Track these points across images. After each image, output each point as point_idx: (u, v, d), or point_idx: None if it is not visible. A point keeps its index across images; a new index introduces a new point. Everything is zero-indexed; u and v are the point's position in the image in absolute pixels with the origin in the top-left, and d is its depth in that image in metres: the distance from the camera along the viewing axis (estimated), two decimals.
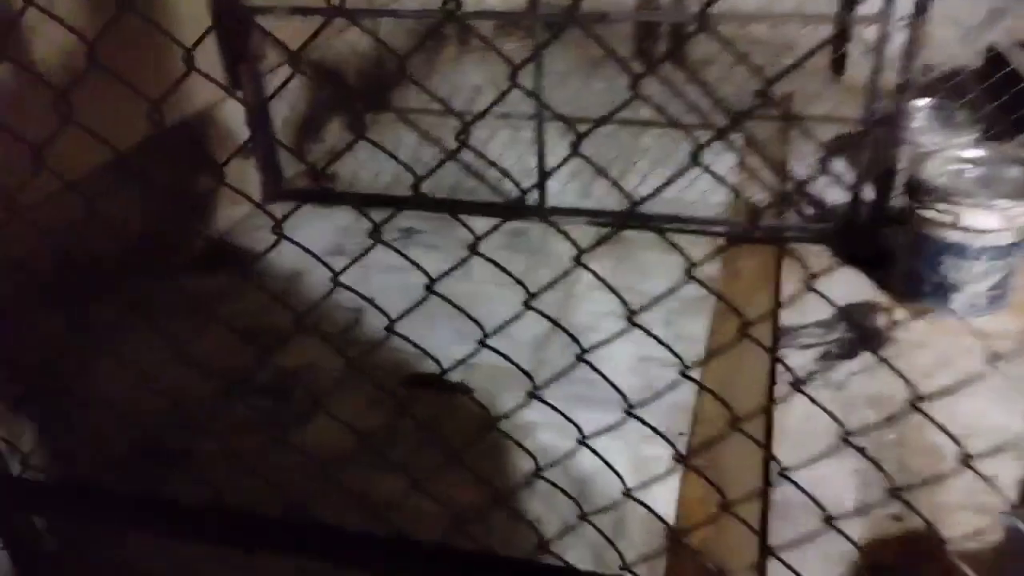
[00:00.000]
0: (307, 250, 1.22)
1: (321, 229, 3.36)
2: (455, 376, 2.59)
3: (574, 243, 1.05)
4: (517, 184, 1.16)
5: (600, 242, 1.29)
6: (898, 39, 4.00)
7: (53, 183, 1.18)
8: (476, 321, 1.14)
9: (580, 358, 1.02)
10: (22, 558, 1.13)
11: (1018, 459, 2.12)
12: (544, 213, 3.30)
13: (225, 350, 2.72)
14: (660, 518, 2.05)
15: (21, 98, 2.02)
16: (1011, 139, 3.20)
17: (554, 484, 1.14)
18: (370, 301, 1.22)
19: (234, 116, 3.32)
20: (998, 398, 2.35)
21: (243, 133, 3.37)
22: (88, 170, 2.57)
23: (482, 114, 1.05)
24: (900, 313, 2.77)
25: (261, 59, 3.29)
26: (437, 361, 1.31)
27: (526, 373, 1.10)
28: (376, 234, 1.07)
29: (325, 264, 1.15)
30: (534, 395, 1.03)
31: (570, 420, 1.12)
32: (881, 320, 2.75)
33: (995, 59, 4.18)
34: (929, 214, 2.62)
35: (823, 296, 1.02)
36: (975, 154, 2.73)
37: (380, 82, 4.41)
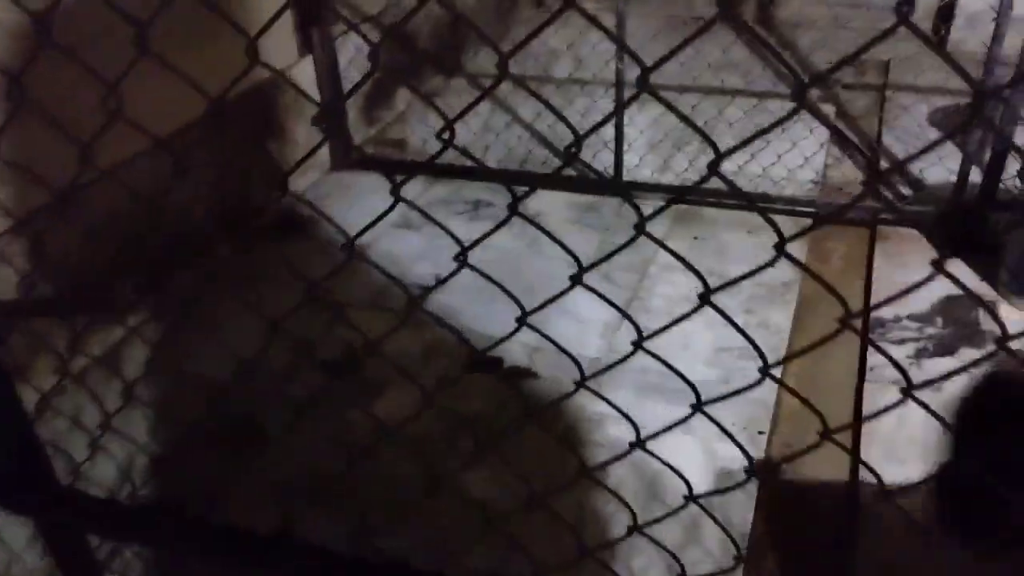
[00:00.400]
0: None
1: (387, 199, 3.28)
2: (521, 359, 2.50)
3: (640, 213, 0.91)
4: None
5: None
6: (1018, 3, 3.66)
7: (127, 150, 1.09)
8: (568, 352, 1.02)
9: (638, 346, 0.86)
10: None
11: None
12: (619, 187, 3.15)
13: (291, 322, 2.70)
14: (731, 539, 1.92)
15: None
16: None
17: (654, 540, 1.02)
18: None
19: (305, 82, 3.25)
20: None
21: (314, 98, 3.30)
22: (150, 146, 2.55)
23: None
24: (1006, 309, 2.55)
25: (334, 23, 3.20)
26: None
27: (631, 421, 0.97)
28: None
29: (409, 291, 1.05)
30: (639, 446, 0.90)
31: (675, 470, 0.99)
32: (985, 316, 2.53)
33: None
34: None
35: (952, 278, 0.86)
36: None
37: (454, 46, 4.28)
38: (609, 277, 2.83)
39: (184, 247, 2.72)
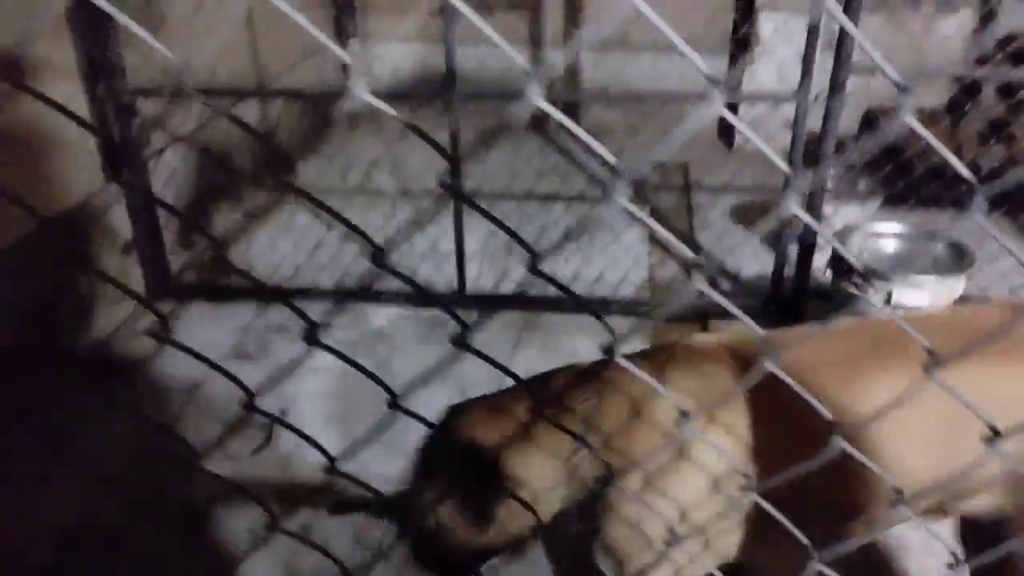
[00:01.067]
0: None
1: (217, 329, 3.04)
2: (384, 494, 2.34)
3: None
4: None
5: None
6: (786, 111, 4.11)
7: None
8: None
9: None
10: None
11: None
12: (464, 301, 3.12)
13: (118, 480, 2.37)
14: None
15: None
16: (910, 205, 3.30)
17: None
18: None
19: (114, 207, 2.98)
20: None
21: (125, 224, 3.02)
22: None
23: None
24: None
25: (145, 145, 2.98)
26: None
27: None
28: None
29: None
30: None
31: None
32: None
33: (870, 124, 4.39)
34: (856, 290, 2.63)
35: None
36: (894, 228, 2.78)
37: (271, 163, 4.14)
38: (465, 392, 2.76)
39: None
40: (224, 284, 3.22)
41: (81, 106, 2.81)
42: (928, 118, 3.80)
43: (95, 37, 2.79)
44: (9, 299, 2.51)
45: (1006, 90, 3.78)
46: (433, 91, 5.16)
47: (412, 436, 2.45)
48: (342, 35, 5.05)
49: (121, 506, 2.23)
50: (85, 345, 2.82)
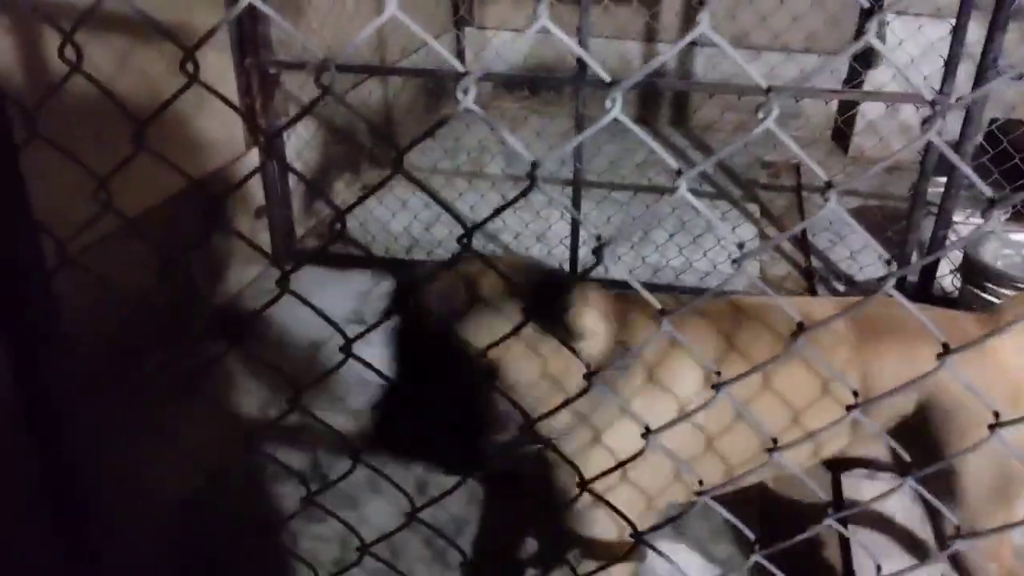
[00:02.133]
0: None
1: (337, 294, 3.17)
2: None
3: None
4: None
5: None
6: (906, 114, 4.00)
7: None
8: None
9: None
10: None
11: None
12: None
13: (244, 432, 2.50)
14: None
15: None
16: None
17: None
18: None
19: (251, 173, 3.14)
20: None
21: (259, 190, 3.18)
22: (96, 238, 2.37)
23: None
24: None
25: (281, 115, 3.12)
26: None
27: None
28: None
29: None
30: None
31: None
32: None
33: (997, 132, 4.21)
34: (990, 298, 2.56)
35: None
36: None
37: (389, 139, 4.27)
38: None
39: (126, 347, 2.50)
40: (344, 252, 3.35)
41: (229, 76, 2.97)
42: None
43: (247, 11, 2.94)
44: (155, 249, 2.67)
45: None
46: (544, 80, 5.23)
47: None
48: (460, 23, 5.16)
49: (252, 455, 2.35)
50: (218, 300, 2.99)
